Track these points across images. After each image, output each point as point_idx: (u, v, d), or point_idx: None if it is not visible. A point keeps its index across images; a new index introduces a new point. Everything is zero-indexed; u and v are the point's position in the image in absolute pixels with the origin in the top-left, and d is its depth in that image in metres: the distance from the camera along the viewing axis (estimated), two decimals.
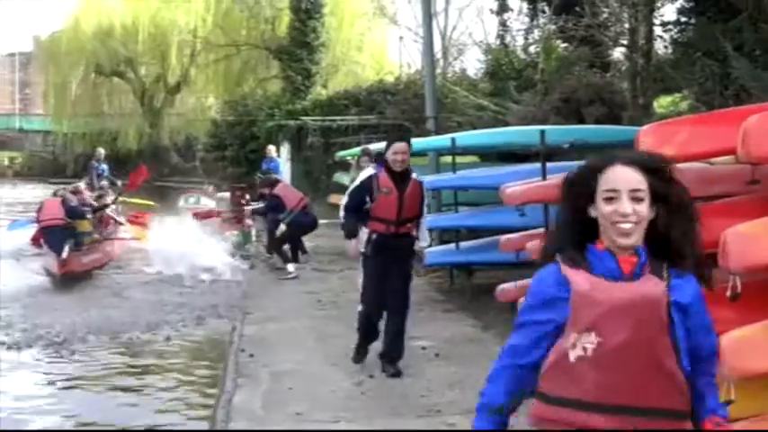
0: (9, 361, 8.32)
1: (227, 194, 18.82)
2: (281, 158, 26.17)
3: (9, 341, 8.88)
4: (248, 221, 17.15)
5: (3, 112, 60.59)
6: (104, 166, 20.49)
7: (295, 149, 26.18)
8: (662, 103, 15.30)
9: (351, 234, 6.69)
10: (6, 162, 49.94)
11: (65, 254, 12.40)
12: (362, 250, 6.63)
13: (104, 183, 18.61)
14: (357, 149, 16.08)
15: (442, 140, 10.70)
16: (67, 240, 12.83)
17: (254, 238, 16.24)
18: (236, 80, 37.57)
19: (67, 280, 12.10)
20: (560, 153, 10.00)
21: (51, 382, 7.83)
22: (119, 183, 19.88)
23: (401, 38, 37.75)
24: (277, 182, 14.16)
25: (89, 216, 14.46)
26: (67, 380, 7.88)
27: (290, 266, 12.16)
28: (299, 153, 25.97)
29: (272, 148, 20.28)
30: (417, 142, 11.95)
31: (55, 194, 14.20)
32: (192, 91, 42.59)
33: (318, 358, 7.16)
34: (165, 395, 7.49)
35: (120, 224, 16.53)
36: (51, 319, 9.81)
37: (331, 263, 12.30)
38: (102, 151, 21.47)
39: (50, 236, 13.10)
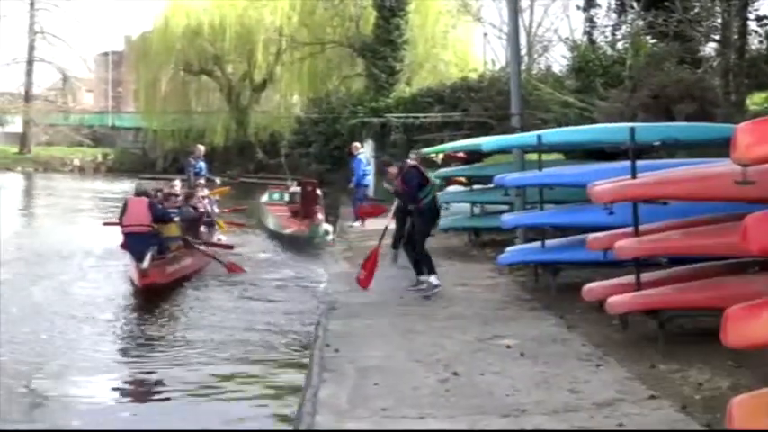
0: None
1: (299, 189, 18.93)
2: (365, 155, 26.31)
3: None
4: (320, 216, 17.19)
5: (97, 109, 62.49)
6: (202, 164, 19.72)
7: (378, 146, 26.24)
8: (755, 99, 14.85)
9: None
10: (100, 158, 51.32)
11: (146, 263, 11.24)
12: None
13: (201, 181, 17.92)
14: (440, 147, 16.04)
15: (528, 138, 10.58)
16: (151, 247, 11.75)
17: (324, 233, 16.22)
18: (321, 78, 37.94)
19: (150, 292, 11.05)
20: (650, 151, 9.81)
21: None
22: (217, 181, 19.50)
23: (485, 35, 37.65)
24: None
25: (177, 219, 13.44)
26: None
27: (434, 278, 10.12)
28: (382, 150, 26.03)
29: (357, 146, 20.25)
30: (502, 140, 11.93)
31: (139, 194, 12.88)
32: (278, 89, 43.18)
33: (403, 354, 7.15)
34: (251, 387, 7.62)
35: (213, 225, 15.59)
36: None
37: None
38: (201, 148, 20.55)
39: (133, 241, 12.08)
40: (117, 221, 12.68)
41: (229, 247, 14.52)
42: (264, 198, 21.95)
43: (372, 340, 7.77)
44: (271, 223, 18.61)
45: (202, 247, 13.78)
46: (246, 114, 43.50)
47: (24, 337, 9.11)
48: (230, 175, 37.55)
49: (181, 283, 12.22)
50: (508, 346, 7.28)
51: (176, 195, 15.02)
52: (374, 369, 6.71)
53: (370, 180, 19.81)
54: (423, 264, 10.17)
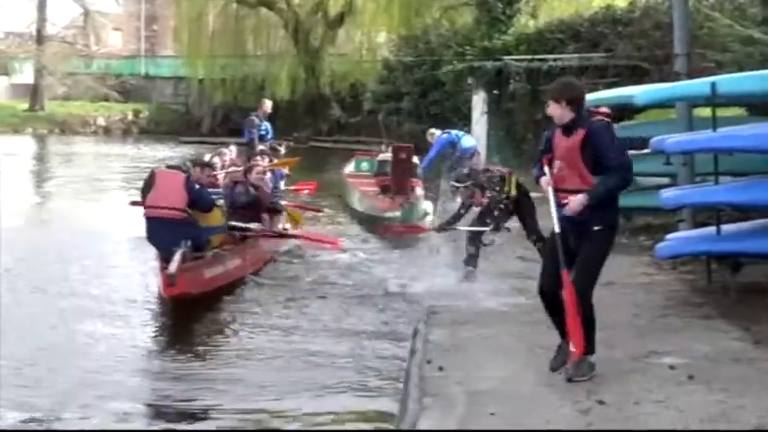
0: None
1: (389, 156, 18.96)
2: (475, 114, 26.23)
3: None
4: (417, 191, 17.12)
5: (126, 53, 63.56)
6: (267, 125, 19.72)
7: (492, 99, 26.15)
8: None
9: None
10: (130, 116, 52.31)
11: (174, 266, 10.33)
12: None
13: (262, 147, 17.65)
14: None
15: (697, 86, 10.36)
16: (182, 242, 10.89)
17: (423, 214, 16.14)
18: (416, 9, 38.01)
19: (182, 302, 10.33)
20: None
21: None
22: (282, 149, 19.34)
23: None
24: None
25: (220, 203, 12.52)
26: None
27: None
28: (497, 104, 25.94)
29: (433, 132, 20.28)
30: (662, 89, 11.73)
31: (173, 166, 12.10)
32: (359, 24, 43.44)
33: (529, 376, 7.12)
34: (328, 417, 7.67)
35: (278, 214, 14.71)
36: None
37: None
38: (269, 103, 20.49)
39: (159, 230, 11.33)
40: (141, 201, 11.93)
41: (298, 236, 14.48)
42: (350, 168, 22.00)
43: (488, 356, 7.76)
44: (356, 202, 18.69)
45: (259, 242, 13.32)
46: (319, 59, 43.89)
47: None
48: (298, 138, 38.04)
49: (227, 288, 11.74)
50: (672, 367, 7.20)
51: (209, 166, 14.16)
52: (490, 394, 6.73)
53: (471, 144, 19.89)
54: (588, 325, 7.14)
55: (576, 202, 6.89)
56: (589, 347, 6.93)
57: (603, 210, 6.95)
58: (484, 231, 11.54)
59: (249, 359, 9.09)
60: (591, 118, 7.03)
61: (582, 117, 7.01)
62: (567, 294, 6.96)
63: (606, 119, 7.03)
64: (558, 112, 7.05)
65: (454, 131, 20.28)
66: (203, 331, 10.15)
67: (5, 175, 27.16)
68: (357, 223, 17.65)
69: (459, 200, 18.90)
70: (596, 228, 6.94)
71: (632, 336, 8.22)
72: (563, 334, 7.15)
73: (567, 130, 7.05)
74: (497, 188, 11.50)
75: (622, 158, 6.92)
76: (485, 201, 11.51)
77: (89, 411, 7.56)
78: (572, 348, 6.86)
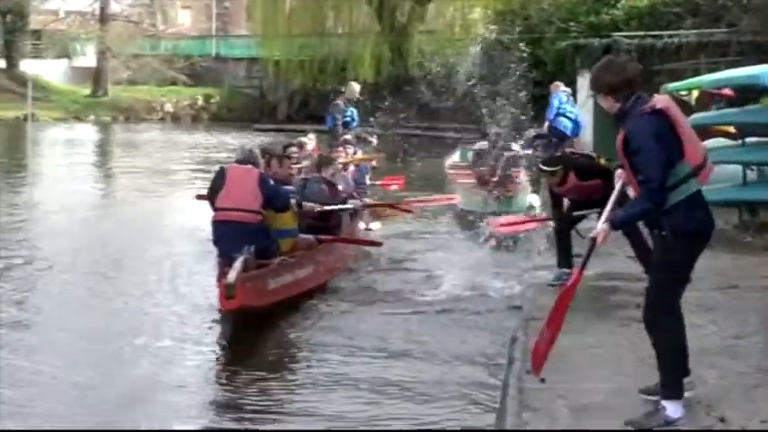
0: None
1: (485, 144, 18.87)
2: (580, 97, 26.03)
3: None
4: (520, 180, 16.97)
5: (195, 33, 64.08)
6: (353, 110, 19.82)
7: None
8: None
9: None
10: (200, 101, 52.72)
11: (233, 274, 9.92)
12: None
13: (349, 137, 17.64)
14: (695, 80, 15.67)
15: None
16: (245, 248, 10.43)
17: (529, 207, 16.02)
18: None
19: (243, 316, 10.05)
20: None
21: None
22: (373, 140, 19.38)
23: None
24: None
25: (293, 200, 12.07)
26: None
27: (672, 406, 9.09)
28: None
29: (558, 84, 20.30)
30: None
31: (243, 160, 11.59)
32: None
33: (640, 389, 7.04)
34: (423, 422, 7.70)
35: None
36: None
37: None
38: (356, 87, 20.81)
39: (227, 235, 10.99)
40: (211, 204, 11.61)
41: (377, 243, 14.14)
42: (454, 158, 21.85)
43: (594, 366, 7.71)
44: (462, 199, 18.55)
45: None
46: (406, 36, 43.89)
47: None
48: (383, 124, 38.04)
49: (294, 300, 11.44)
50: None
51: (288, 157, 13.64)
52: (598, 409, 6.70)
53: (563, 127, 19.94)
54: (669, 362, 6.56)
55: (600, 233, 6.52)
56: (673, 389, 6.37)
57: (673, 209, 6.22)
58: (582, 217, 11.33)
59: (322, 385, 8.86)
60: (638, 108, 6.25)
61: (628, 109, 6.34)
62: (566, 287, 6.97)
63: (652, 112, 6.18)
64: (604, 103, 6.50)
65: (569, 107, 21.12)
66: (267, 352, 9.91)
67: (67, 166, 27.69)
68: (453, 220, 17.58)
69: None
70: (663, 232, 6.31)
71: (759, 346, 8.13)
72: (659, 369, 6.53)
73: (621, 122, 6.42)
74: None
75: (649, 174, 6.12)
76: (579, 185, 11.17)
77: None
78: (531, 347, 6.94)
